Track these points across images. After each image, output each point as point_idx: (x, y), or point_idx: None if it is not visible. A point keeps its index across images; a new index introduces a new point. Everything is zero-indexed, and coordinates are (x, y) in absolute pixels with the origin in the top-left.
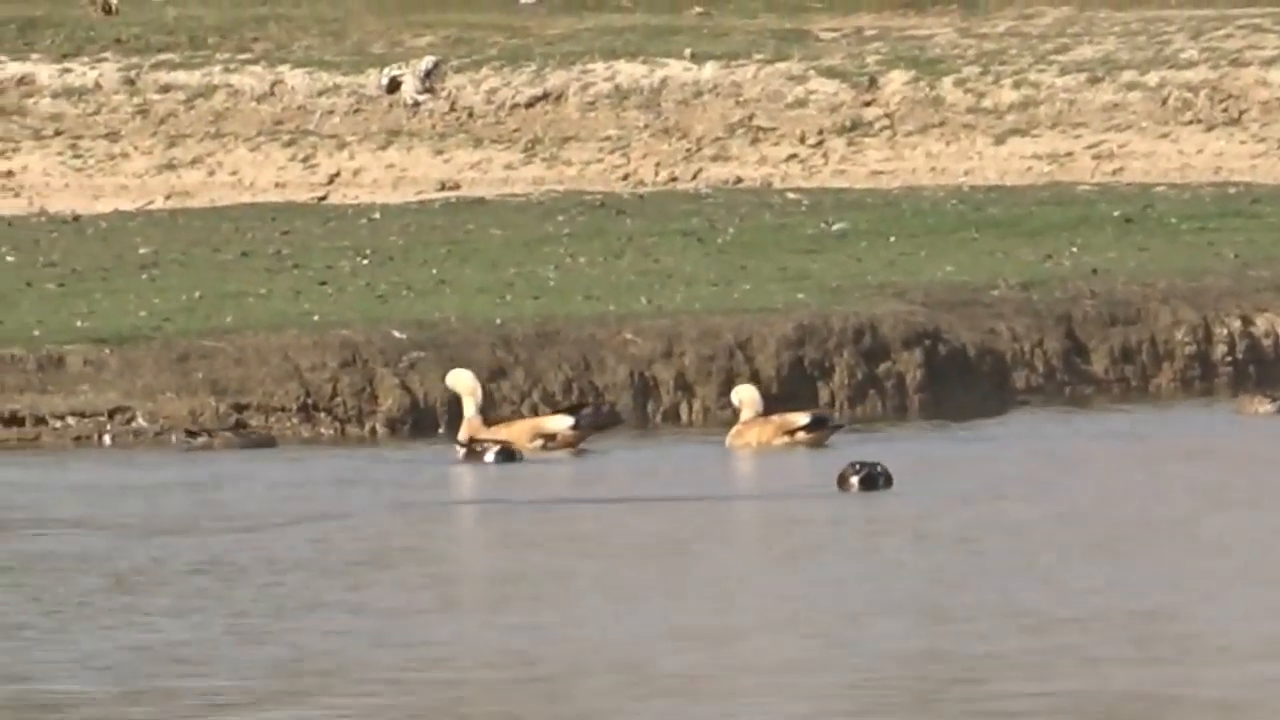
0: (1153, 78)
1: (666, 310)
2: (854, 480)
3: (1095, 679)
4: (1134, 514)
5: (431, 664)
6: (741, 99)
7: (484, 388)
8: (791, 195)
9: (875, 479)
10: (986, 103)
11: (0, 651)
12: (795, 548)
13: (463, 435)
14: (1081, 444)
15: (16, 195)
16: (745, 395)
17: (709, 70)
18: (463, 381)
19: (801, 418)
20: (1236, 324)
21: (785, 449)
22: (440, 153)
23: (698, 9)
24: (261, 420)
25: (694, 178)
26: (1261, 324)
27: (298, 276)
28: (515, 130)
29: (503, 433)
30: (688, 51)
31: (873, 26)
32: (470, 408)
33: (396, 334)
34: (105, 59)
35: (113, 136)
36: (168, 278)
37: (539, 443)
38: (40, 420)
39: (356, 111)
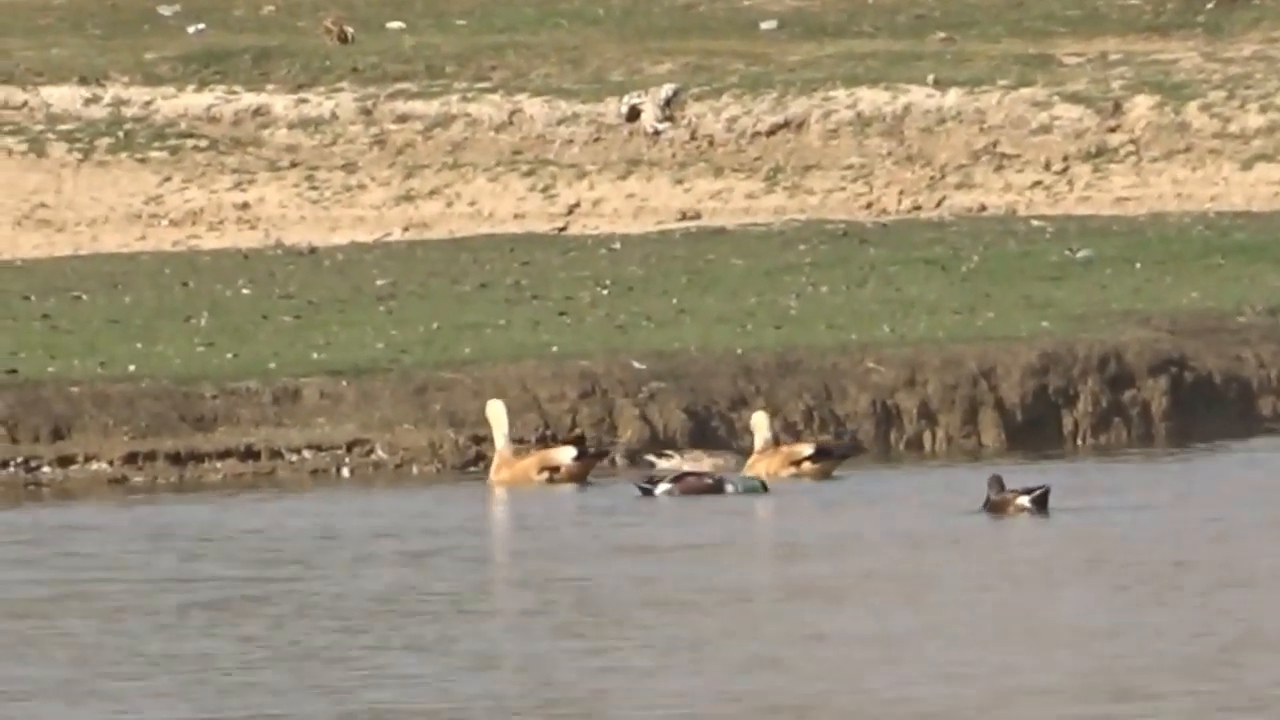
0: None
1: (909, 339)
2: (1024, 500)
3: None
4: None
5: None
6: (985, 125)
7: (723, 417)
8: (1036, 222)
9: (1045, 500)
10: (1233, 128)
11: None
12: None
13: (495, 466)
14: None
15: (252, 227)
16: (756, 421)
17: (952, 97)
18: (496, 414)
19: (806, 448)
20: None
21: (791, 480)
22: (680, 182)
23: (941, 35)
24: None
25: (937, 205)
26: None
27: (537, 307)
28: (756, 159)
29: (517, 465)
30: (931, 78)
31: (1117, 51)
32: (500, 439)
33: (636, 364)
34: (341, 89)
35: (349, 167)
36: (405, 309)
37: (545, 475)
38: (276, 454)
39: (596, 140)
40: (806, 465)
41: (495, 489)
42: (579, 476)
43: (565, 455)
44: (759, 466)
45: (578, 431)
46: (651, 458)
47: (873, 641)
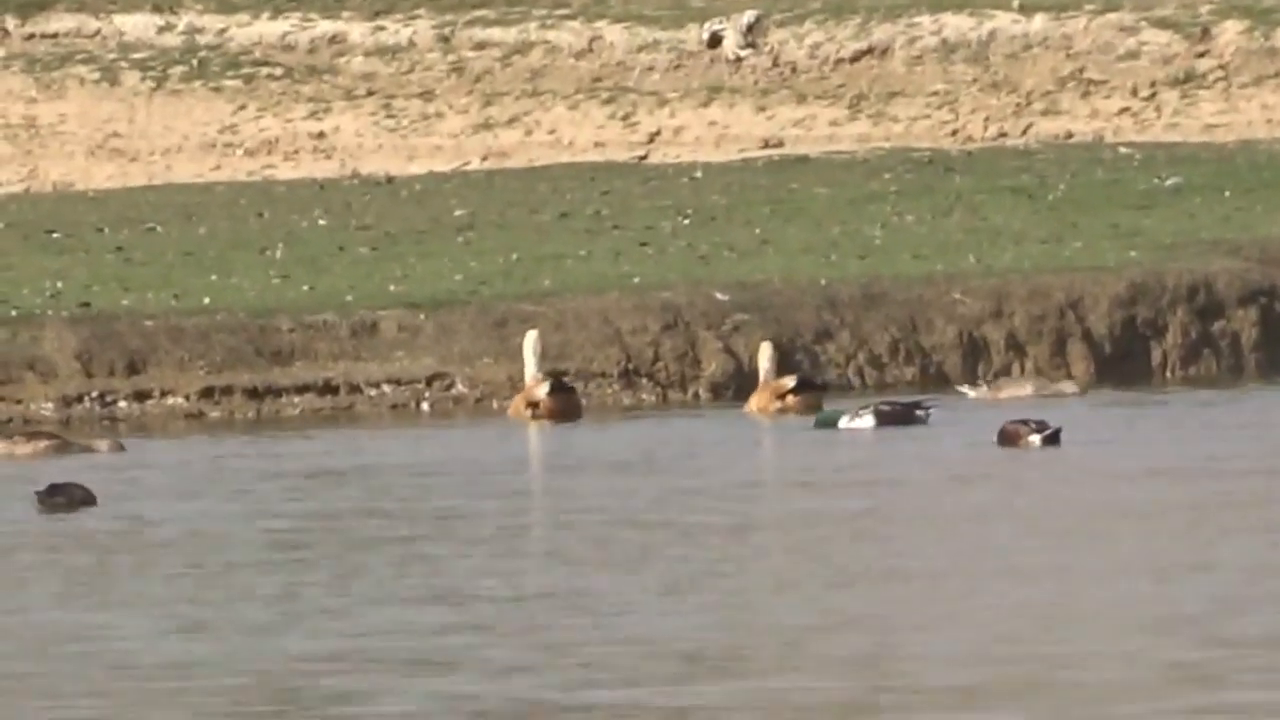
0: None
1: (996, 269)
2: (1034, 438)
3: None
4: None
5: None
6: (1072, 51)
7: (808, 350)
8: (1123, 150)
9: (1056, 436)
10: None
11: None
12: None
13: (523, 396)
14: None
15: (328, 157)
16: (761, 355)
17: (1038, 22)
18: (529, 344)
19: (789, 381)
20: None
21: (780, 413)
22: (763, 109)
23: None
24: (582, 387)
25: (1023, 133)
26: None
27: (617, 238)
28: (840, 86)
29: (515, 400)
30: (1016, 3)
31: None
32: (529, 371)
33: (719, 296)
34: (419, 16)
35: (427, 96)
36: (484, 240)
37: (529, 412)
38: (355, 388)
39: (677, 68)
40: (790, 399)
41: (514, 420)
42: (556, 413)
43: (541, 391)
44: (753, 401)
45: (560, 369)
46: (963, 388)
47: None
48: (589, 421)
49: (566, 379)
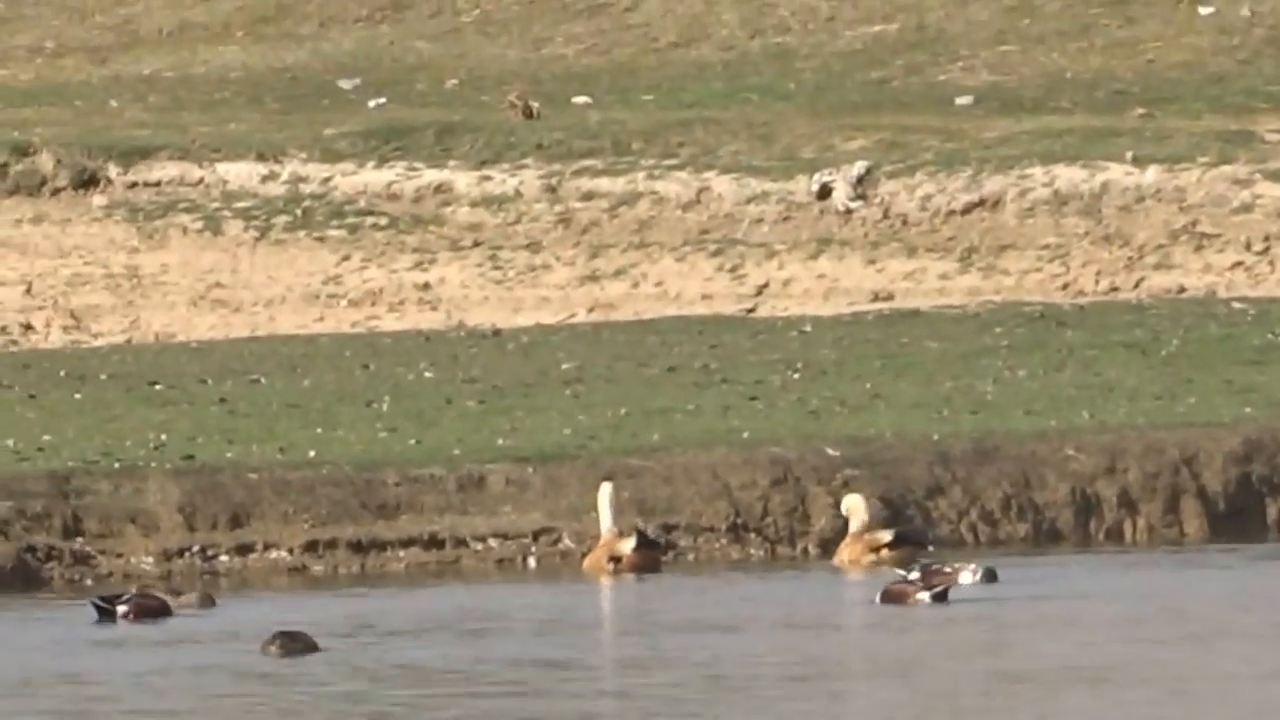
0: None
1: (1109, 425)
2: (925, 595)
3: None
4: None
5: None
6: (1185, 204)
7: (919, 505)
8: (1237, 305)
9: (944, 597)
10: None
11: None
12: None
13: (601, 550)
14: None
15: (434, 308)
16: (851, 505)
17: (1151, 174)
18: (602, 497)
19: (885, 535)
20: None
21: (873, 567)
22: (873, 262)
23: (1140, 110)
24: (690, 541)
25: (1136, 286)
26: None
27: (726, 391)
28: (950, 238)
29: (595, 553)
30: (1129, 155)
31: None
32: (604, 524)
33: (829, 451)
34: (525, 166)
35: (533, 247)
36: (592, 393)
37: (611, 566)
38: (461, 542)
39: (786, 219)
40: (885, 553)
41: (589, 575)
42: (640, 567)
43: (625, 546)
44: (843, 554)
45: (640, 524)
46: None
47: None
48: (677, 576)
49: (653, 534)
